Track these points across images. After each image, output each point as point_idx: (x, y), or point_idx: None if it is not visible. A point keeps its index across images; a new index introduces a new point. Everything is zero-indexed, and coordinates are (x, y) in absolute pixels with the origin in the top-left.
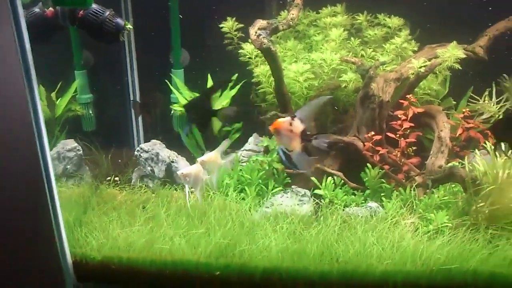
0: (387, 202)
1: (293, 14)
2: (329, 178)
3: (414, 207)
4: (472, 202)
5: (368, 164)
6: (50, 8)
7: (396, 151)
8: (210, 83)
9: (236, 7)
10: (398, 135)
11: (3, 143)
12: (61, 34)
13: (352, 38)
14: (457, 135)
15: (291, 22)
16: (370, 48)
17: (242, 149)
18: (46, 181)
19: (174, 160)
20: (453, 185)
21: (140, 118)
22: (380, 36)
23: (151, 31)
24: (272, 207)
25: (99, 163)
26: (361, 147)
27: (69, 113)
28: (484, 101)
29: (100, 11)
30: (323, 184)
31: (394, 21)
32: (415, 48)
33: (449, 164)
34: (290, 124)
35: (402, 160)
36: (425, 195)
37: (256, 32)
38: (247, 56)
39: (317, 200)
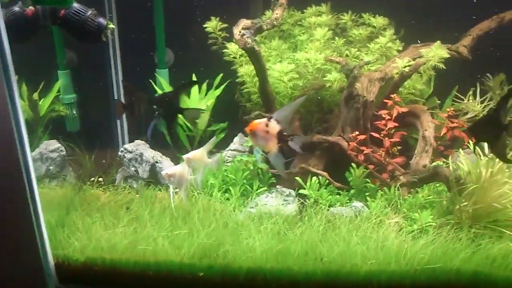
0: (371, 202)
1: (277, 14)
2: (314, 178)
3: (399, 206)
4: (456, 201)
5: (352, 164)
6: (30, 7)
7: (381, 151)
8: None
9: (220, 7)
10: (382, 135)
11: None
12: (44, 33)
13: (336, 38)
14: (441, 134)
15: (275, 22)
16: (354, 48)
17: (227, 149)
18: (27, 182)
19: (158, 161)
20: (437, 185)
21: (124, 118)
22: (365, 36)
23: (135, 31)
24: (257, 207)
25: (83, 163)
26: (345, 147)
27: (52, 113)
28: (468, 100)
29: (82, 10)
30: (308, 184)
31: (379, 20)
32: (400, 48)
33: (434, 164)
34: (266, 125)
35: (387, 159)
36: (409, 195)
37: (240, 32)
38: (232, 56)
39: (302, 200)
